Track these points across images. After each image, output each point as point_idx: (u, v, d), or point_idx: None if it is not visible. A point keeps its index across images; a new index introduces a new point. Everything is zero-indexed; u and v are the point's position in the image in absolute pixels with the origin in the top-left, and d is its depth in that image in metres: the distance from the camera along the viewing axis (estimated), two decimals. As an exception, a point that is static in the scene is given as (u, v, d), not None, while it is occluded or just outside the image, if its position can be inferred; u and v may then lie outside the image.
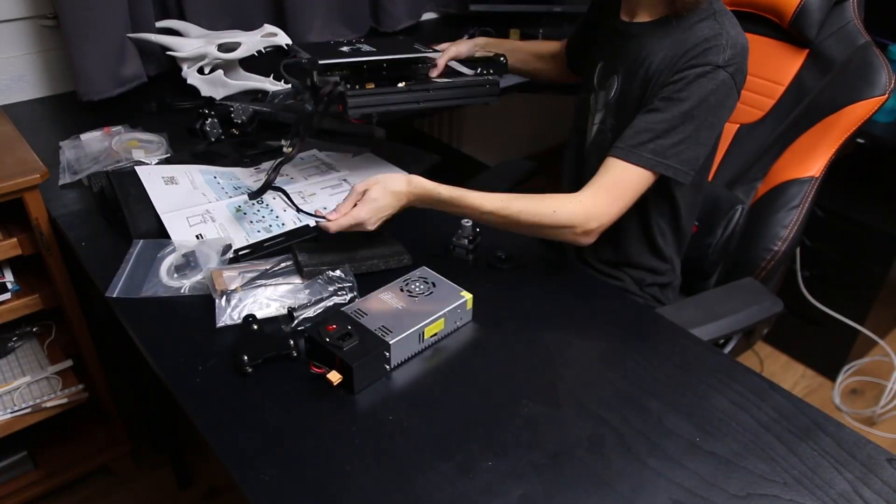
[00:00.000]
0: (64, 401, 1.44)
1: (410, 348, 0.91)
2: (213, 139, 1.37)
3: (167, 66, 1.71)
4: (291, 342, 0.90)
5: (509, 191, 1.53)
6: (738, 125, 1.42)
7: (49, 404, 1.42)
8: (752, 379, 0.90)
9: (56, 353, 1.51)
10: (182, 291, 1.01)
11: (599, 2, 1.29)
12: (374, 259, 1.07)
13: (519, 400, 0.86)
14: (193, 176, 1.24)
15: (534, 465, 0.77)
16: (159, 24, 1.67)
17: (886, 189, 2.00)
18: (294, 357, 0.90)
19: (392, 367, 0.89)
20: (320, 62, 1.18)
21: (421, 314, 0.92)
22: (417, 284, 0.97)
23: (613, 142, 1.07)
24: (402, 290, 0.96)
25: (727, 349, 1.33)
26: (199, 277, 1.02)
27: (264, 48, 1.57)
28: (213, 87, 1.59)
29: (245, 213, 1.16)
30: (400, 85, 1.19)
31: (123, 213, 1.12)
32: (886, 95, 1.24)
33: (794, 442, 0.81)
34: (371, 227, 1.01)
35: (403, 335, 0.88)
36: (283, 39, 1.57)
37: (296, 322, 0.94)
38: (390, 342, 0.87)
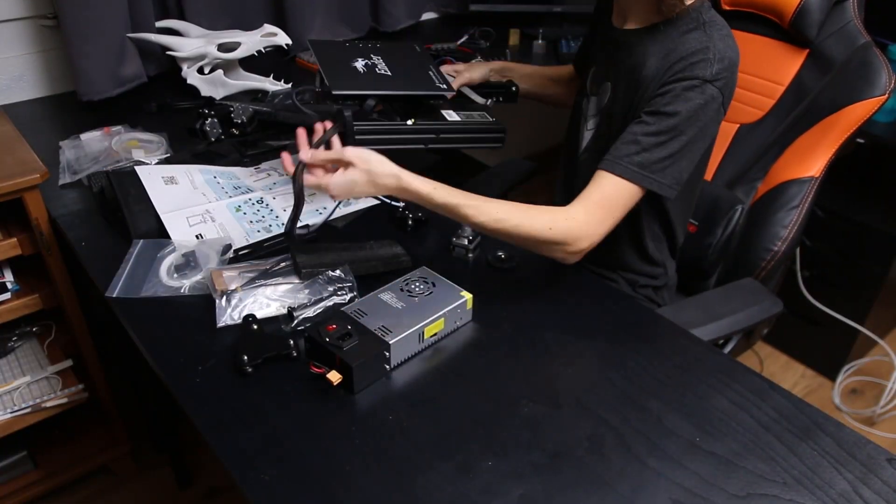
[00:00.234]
0: (64, 401, 1.44)
1: (410, 348, 0.91)
2: (213, 139, 1.37)
3: (167, 66, 1.71)
4: (291, 342, 0.90)
5: (509, 191, 1.52)
6: (738, 125, 1.42)
7: (49, 404, 1.42)
8: (752, 379, 0.90)
9: (56, 353, 1.51)
10: (182, 291, 1.01)
11: (599, 5, 1.29)
12: (374, 262, 1.06)
13: (519, 400, 0.86)
14: (193, 176, 1.24)
15: (534, 465, 0.77)
16: (159, 23, 1.67)
17: (886, 189, 1.99)
18: (294, 357, 0.90)
19: (392, 367, 0.89)
20: (334, 92, 1.14)
21: (421, 314, 0.92)
22: (417, 284, 0.97)
23: (607, 150, 1.05)
24: (402, 289, 0.96)
25: (727, 349, 1.33)
26: (199, 277, 1.02)
27: (264, 48, 1.57)
28: (213, 86, 1.59)
29: (245, 213, 1.16)
30: (409, 122, 1.16)
31: (123, 213, 1.12)
32: (886, 95, 1.24)
33: (794, 442, 0.81)
34: (334, 197, 0.99)
35: (403, 335, 0.88)
36: (282, 39, 1.57)
37: (296, 322, 0.94)
38: (390, 342, 0.87)
